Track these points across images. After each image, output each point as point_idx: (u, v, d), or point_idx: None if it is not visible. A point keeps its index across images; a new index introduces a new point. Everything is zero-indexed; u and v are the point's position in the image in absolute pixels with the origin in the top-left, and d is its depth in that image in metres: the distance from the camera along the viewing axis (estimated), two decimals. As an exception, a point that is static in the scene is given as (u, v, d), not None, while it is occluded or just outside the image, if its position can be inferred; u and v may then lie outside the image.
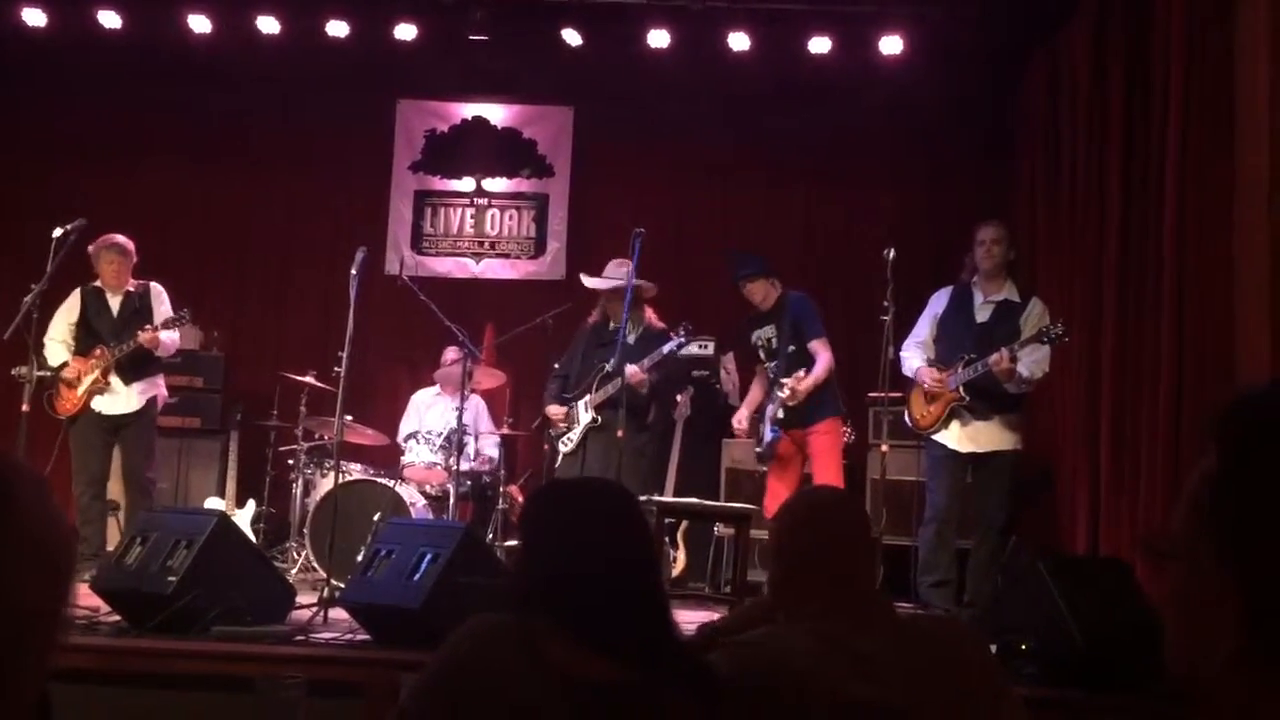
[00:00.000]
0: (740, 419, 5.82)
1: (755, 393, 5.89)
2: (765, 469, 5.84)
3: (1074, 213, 6.14)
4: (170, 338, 6.20)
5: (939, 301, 5.58)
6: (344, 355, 5.24)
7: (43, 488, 0.86)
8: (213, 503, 7.03)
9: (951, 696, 1.85)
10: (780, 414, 5.55)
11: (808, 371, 5.63)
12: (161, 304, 6.27)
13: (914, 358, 5.48)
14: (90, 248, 6.15)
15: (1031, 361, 5.18)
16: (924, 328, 5.57)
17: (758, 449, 5.77)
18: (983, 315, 5.43)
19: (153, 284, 6.32)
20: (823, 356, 5.62)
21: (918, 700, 1.82)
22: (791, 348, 5.60)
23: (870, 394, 6.09)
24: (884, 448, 5.35)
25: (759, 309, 5.85)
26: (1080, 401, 5.78)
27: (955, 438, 5.32)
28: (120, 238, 6.23)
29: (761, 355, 5.87)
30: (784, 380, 5.51)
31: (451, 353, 7.19)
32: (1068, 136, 6.30)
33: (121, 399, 6.10)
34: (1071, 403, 5.93)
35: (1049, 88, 6.71)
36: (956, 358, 5.32)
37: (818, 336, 5.64)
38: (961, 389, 5.26)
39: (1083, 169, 6.02)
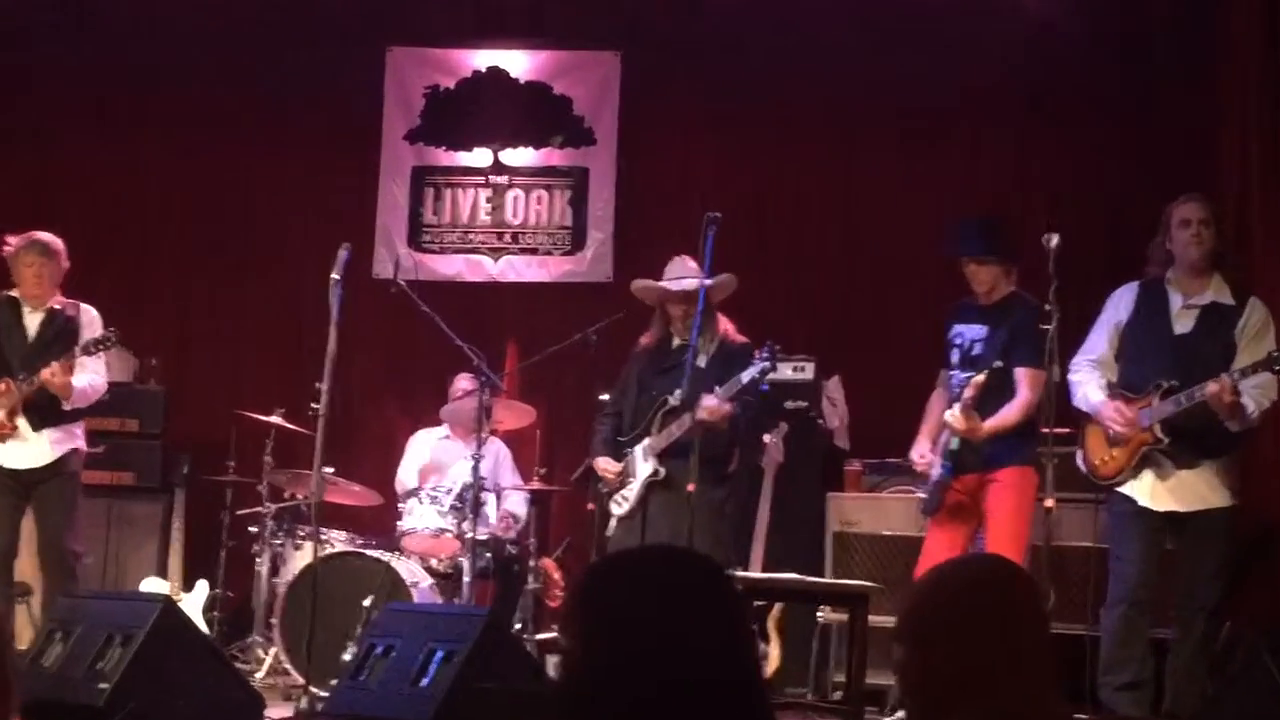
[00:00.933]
0: (921, 450, 5.72)
1: (934, 412, 5.76)
2: (922, 527, 5.77)
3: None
4: (88, 380, 6.13)
5: (1121, 304, 5.47)
6: (323, 387, 5.26)
7: None
8: (153, 584, 7.08)
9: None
10: (955, 445, 5.47)
11: (991, 401, 5.47)
12: (93, 333, 6.26)
13: (1088, 382, 5.39)
14: (9, 245, 6.22)
15: (1256, 390, 5.08)
16: (1101, 340, 5.47)
17: (921, 494, 5.70)
18: (1183, 325, 5.33)
19: (85, 306, 6.33)
20: (1024, 393, 5.46)
21: None
22: (997, 363, 5.52)
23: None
24: (1049, 503, 5.26)
25: (975, 300, 5.76)
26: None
27: (1149, 491, 5.22)
28: (46, 235, 6.27)
29: (954, 359, 5.76)
30: (963, 398, 5.42)
31: (463, 382, 7.21)
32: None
33: (32, 449, 6.13)
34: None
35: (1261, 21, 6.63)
36: (1150, 384, 5.23)
37: (1031, 365, 5.47)
38: (1158, 428, 5.18)
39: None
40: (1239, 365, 5.05)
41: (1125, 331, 5.45)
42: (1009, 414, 5.45)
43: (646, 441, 6.03)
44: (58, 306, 6.30)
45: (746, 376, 5.76)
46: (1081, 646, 5.29)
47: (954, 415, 5.41)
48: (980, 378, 5.35)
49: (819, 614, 6.54)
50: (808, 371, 7.15)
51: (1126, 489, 5.27)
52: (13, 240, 6.23)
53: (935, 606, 2.14)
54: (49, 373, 5.94)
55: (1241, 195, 6.83)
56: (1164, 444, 5.15)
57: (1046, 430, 5.26)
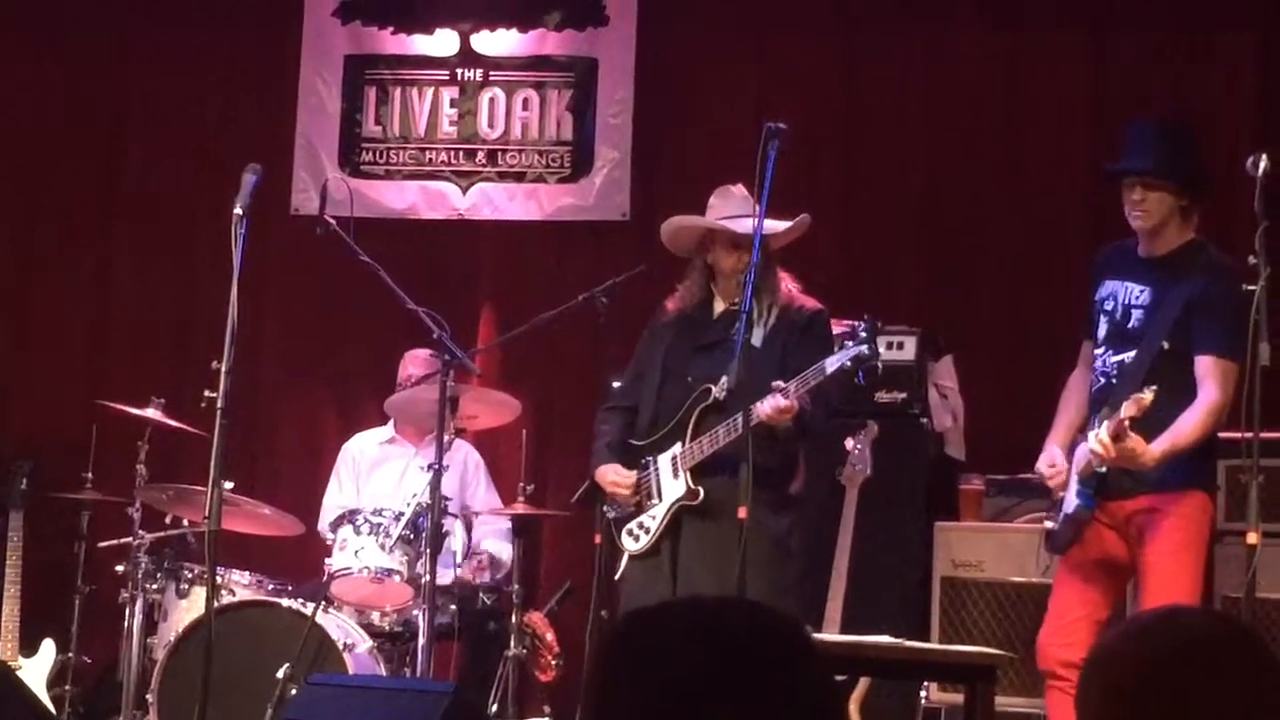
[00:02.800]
0: (1050, 458, 5.71)
1: (1071, 404, 5.75)
2: (1048, 570, 5.79)
3: None
4: None
5: None
6: (221, 369, 5.29)
7: None
8: (-22, 645, 7.13)
9: None
10: (1102, 468, 5.46)
11: (1168, 404, 5.45)
12: None
13: None
14: None
15: None
16: None
17: (1049, 524, 5.70)
18: None
19: None
20: (1210, 393, 5.39)
21: None
22: (1166, 345, 5.49)
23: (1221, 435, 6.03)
24: (1251, 538, 5.29)
25: (1139, 246, 5.73)
26: None
27: None
28: None
29: (1102, 330, 5.74)
30: (1120, 414, 5.38)
31: (417, 363, 7.25)
32: None
33: None
34: None
35: None
36: None
37: (1220, 351, 5.46)
38: None
39: None
40: None
41: None
42: (1188, 428, 5.39)
43: (677, 449, 6.04)
44: None
45: (832, 365, 5.75)
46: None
47: (1100, 441, 5.36)
48: (1147, 396, 5.28)
49: (922, 693, 6.58)
50: (907, 350, 7.13)
51: None
52: None
53: (1138, 687, 2.14)
54: None
55: None
56: None
57: (1248, 435, 5.26)
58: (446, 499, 6.57)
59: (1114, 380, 5.46)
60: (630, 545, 6.12)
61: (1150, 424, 5.29)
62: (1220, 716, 2.05)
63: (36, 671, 6.98)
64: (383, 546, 6.81)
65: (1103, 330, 5.66)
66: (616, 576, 6.24)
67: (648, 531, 6.08)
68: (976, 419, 7.38)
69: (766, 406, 5.60)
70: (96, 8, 8.43)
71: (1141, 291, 5.59)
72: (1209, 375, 5.42)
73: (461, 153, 8.41)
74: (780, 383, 5.67)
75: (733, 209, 6.04)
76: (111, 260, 8.41)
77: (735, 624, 1.96)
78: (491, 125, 8.42)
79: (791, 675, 1.90)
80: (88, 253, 8.42)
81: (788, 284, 6.13)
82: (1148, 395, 5.16)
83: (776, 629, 1.95)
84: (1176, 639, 2.24)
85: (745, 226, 5.82)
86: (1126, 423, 5.22)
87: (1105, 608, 5.47)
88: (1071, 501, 5.51)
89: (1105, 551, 5.58)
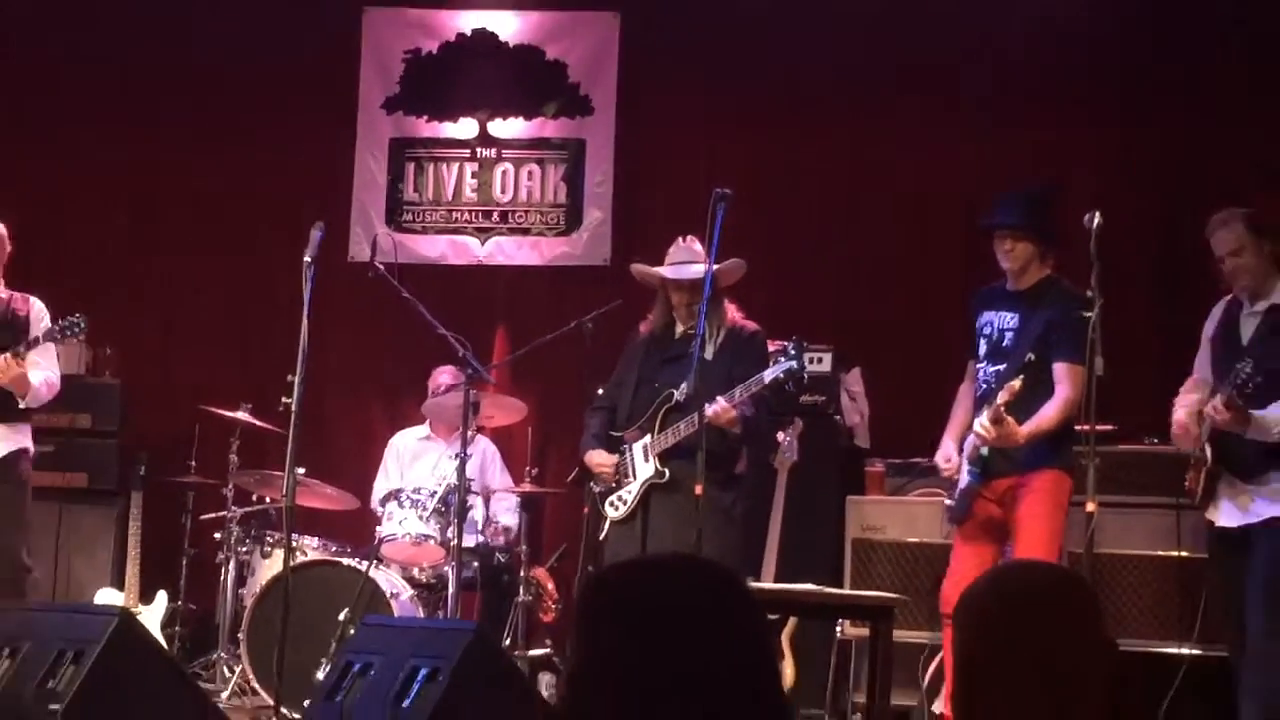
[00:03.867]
0: (946, 453, 5.70)
1: (961, 409, 5.75)
2: (949, 535, 5.78)
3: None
4: (43, 376, 6.17)
5: (1212, 319, 5.51)
6: (295, 380, 5.27)
7: None
8: (107, 595, 7.08)
9: None
10: (985, 450, 5.45)
11: (1026, 400, 5.45)
12: (42, 324, 6.25)
13: (1179, 408, 5.42)
14: None
15: None
16: (1202, 358, 5.52)
17: (948, 501, 5.70)
18: (1248, 329, 5.37)
19: (33, 299, 6.33)
20: (1063, 391, 5.41)
21: None
22: (1031, 357, 5.48)
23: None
24: (1090, 506, 5.27)
25: (1008, 283, 5.73)
26: None
27: (1219, 511, 5.32)
28: None
29: (982, 349, 5.74)
30: (996, 400, 5.39)
31: (446, 375, 7.22)
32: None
33: (-22, 448, 6.15)
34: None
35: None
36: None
37: (1069, 359, 5.46)
38: (1208, 449, 5.23)
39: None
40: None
41: (1212, 346, 5.50)
42: (1048, 415, 5.41)
43: (647, 440, 6.01)
44: (4, 297, 6.29)
45: (769, 376, 5.74)
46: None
47: (983, 425, 5.37)
48: (1016, 383, 5.30)
49: (837, 629, 6.55)
50: (824, 363, 7.11)
51: (1208, 514, 5.38)
52: None
53: (996, 621, 2.13)
54: (7, 368, 5.94)
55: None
56: (1208, 463, 5.24)
57: (1087, 428, 5.26)
58: (470, 480, 6.56)
59: (992, 386, 5.46)
60: (611, 513, 6.10)
61: (1020, 415, 5.32)
62: (1051, 642, 2.06)
63: (153, 617, 6.94)
64: (421, 518, 6.79)
65: (983, 349, 5.68)
66: (600, 538, 6.22)
67: (625, 503, 6.06)
68: (878, 416, 7.38)
69: (712, 410, 5.60)
70: (199, 101, 8.38)
71: (1011, 317, 5.62)
72: (1064, 377, 5.44)
73: (480, 213, 8.38)
74: (721, 397, 5.68)
75: (683, 256, 6.07)
76: (211, 294, 8.37)
77: (688, 575, 1.95)
78: (503, 192, 8.40)
79: (729, 613, 1.88)
80: (190, 290, 8.38)
81: (733, 311, 6.12)
82: (1017, 383, 5.24)
83: (717, 578, 1.94)
84: (1023, 582, 2.26)
85: (691, 271, 5.93)
86: (1002, 407, 5.26)
87: (991, 562, 5.45)
88: (964, 480, 5.52)
89: (989, 519, 5.57)
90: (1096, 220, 5.27)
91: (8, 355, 5.98)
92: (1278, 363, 5.14)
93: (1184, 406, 5.45)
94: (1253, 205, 5.51)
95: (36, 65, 8.42)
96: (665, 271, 6.13)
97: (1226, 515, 5.30)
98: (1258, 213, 5.47)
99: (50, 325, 6.18)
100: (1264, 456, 5.20)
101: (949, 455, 5.65)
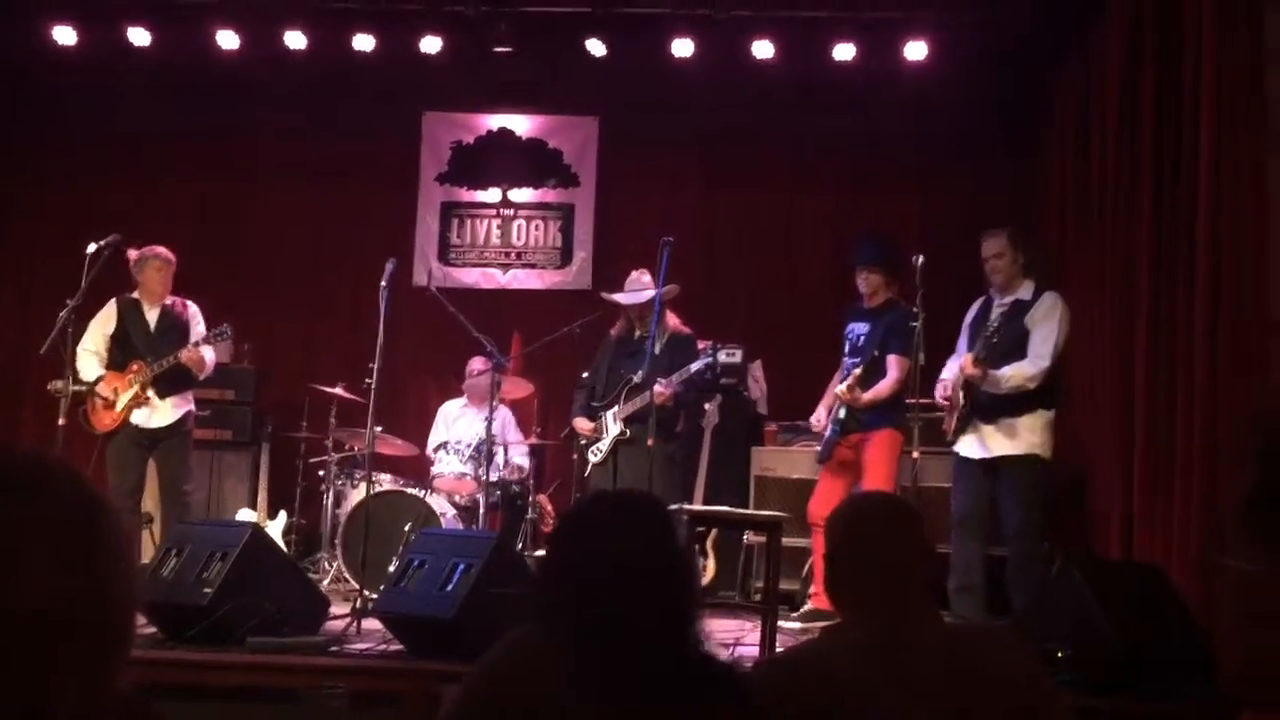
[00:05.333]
0: (818, 416, 5.78)
1: (830, 390, 5.83)
2: (817, 471, 5.83)
3: (1104, 213, 6.08)
4: (210, 357, 6.22)
5: (970, 312, 5.58)
6: (373, 367, 5.27)
7: (77, 477, 0.89)
8: (245, 514, 7.07)
9: (997, 710, 1.83)
10: (842, 413, 5.53)
11: (871, 380, 5.54)
12: (198, 324, 6.27)
13: (945, 371, 5.51)
14: (132, 256, 6.18)
15: (1027, 364, 5.18)
16: (961, 343, 5.56)
17: (818, 448, 5.76)
18: (994, 316, 5.43)
19: (190, 303, 6.34)
20: (892, 374, 5.53)
21: (961, 715, 1.80)
22: (875, 352, 5.56)
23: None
24: (915, 454, 5.32)
25: (864, 302, 5.79)
26: (1114, 403, 5.73)
27: (966, 445, 5.35)
28: (163, 249, 6.28)
29: (846, 349, 5.81)
30: (847, 378, 5.49)
31: (477, 363, 7.21)
32: (1097, 137, 6.25)
33: (159, 413, 6.13)
34: (1106, 405, 5.88)
35: (1078, 90, 6.66)
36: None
37: (898, 353, 5.54)
38: (962, 396, 5.30)
39: (1113, 168, 5.96)
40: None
41: (968, 331, 5.53)
42: (880, 389, 5.53)
43: (615, 409, 6.05)
44: (170, 304, 6.28)
45: (695, 367, 5.80)
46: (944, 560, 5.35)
47: (841, 389, 5.49)
48: (858, 369, 5.43)
49: (745, 537, 6.58)
50: (737, 357, 7.17)
51: (958, 447, 5.40)
52: (134, 253, 6.20)
53: (850, 530, 2.15)
54: (188, 354, 5.97)
55: (1059, 219, 6.90)
56: (966, 410, 5.30)
57: (913, 401, 5.31)
58: (494, 436, 6.57)
59: (850, 373, 5.53)
60: (593, 459, 6.14)
61: (865, 389, 5.44)
62: (888, 549, 2.08)
63: (276, 529, 6.93)
64: (461, 461, 6.81)
65: (847, 349, 5.75)
66: (585, 475, 6.24)
67: (601, 452, 6.10)
68: (774, 392, 7.41)
69: (655, 390, 5.63)
70: (312, 174, 8.34)
71: (865, 326, 5.68)
72: (892, 365, 5.54)
73: (502, 253, 8.34)
74: (662, 380, 5.70)
75: (635, 286, 6.13)
76: (318, 308, 8.31)
77: (639, 502, 1.97)
78: (519, 239, 8.36)
79: (652, 526, 1.90)
80: (306, 303, 8.34)
81: (674, 320, 6.17)
82: (860, 370, 5.44)
83: (658, 506, 1.97)
84: (868, 503, 2.29)
85: (639, 297, 6.03)
86: (854, 380, 5.44)
87: (845, 490, 5.51)
88: (828, 432, 5.58)
89: (844, 462, 5.62)
90: (920, 260, 5.33)
91: (193, 343, 6.06)
92: (1009, 339, 5.22)
93: (948, 369, 5.49)
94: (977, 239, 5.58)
95: (207, 156, 8.35)
96: (620, 298, 6.16)
97: (970, 448, 5.35)
98: (1017, 230, 5.53)
99: (206, 330, 6.19)
100: (998, 404, 5.27)
101: (819, 418, 5.72)
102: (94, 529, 0.84)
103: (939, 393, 5.44)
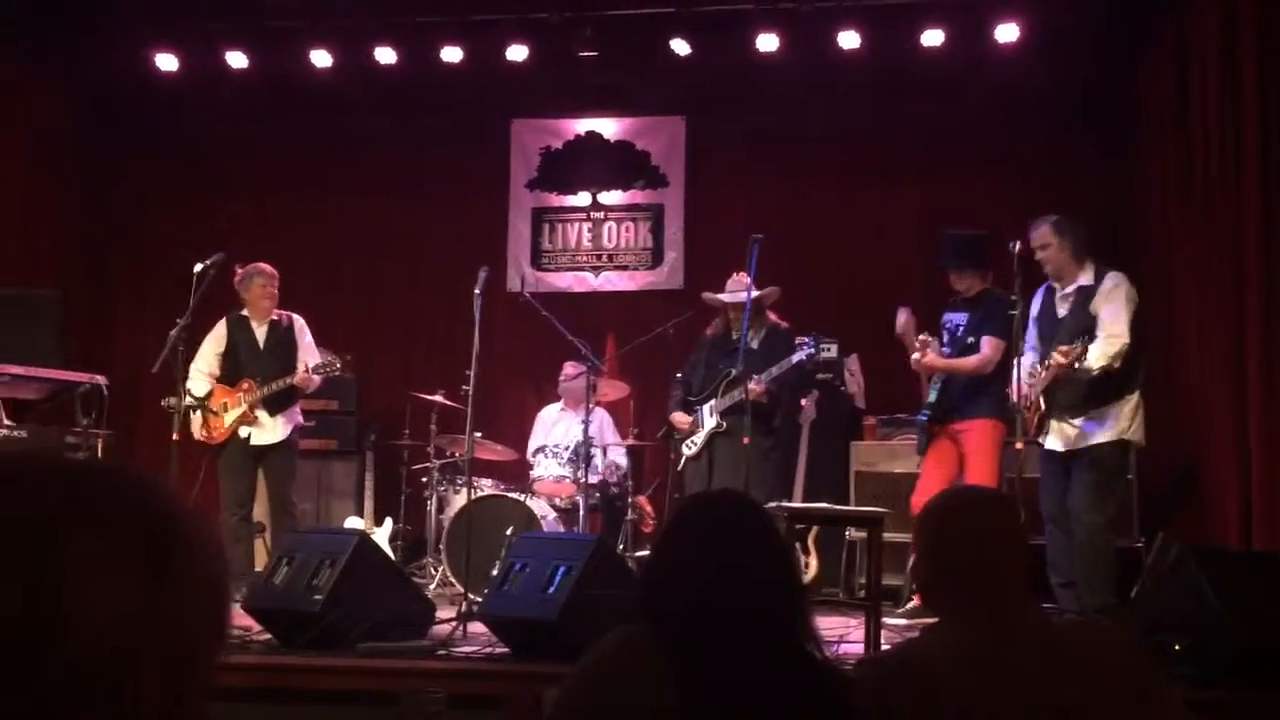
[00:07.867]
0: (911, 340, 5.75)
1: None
2: (919, 465, 5.75)
3: (1210, 198, 5.89)
4: (316, 382, 6.41)
5: (1035, 303, 5.44)
6: (471, 373, 5.31)
7: (205, 522, 0.90)
8: (352, 522, 7.19)
9: (1104, 705, 1.78)
10: (932, 396, 5.47)
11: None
12: (305, 336, 6.44)
13: (1023, 367, 5.31)
14: (238, 274, 6.35)
15: (1103, 344, 5.03)
16: (1030, 335, 5.43)
17: (917, 439, 5.71)
18: (1063, 309, 5.30)
19: (295, 316, 6.50)
20: (982, 350, 5.49)
21: (1066, 714, 1.76)
22: (970, 339, 5.49)
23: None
24: (1019, 445, 5.21)
25: (960, 294, 5.73)
26: (1228, 397, 5.54)
27: (1055, 440, 5.24)
28: (267, 265, 6.44)
29: (945, 338, 5.75)
30: (926, 340, 5.45)
31: (570, 367, 7.23)
32: (1197, 116, 6.06)
33: (268, 430, 6.28)
34: (1218, 400, 5.69)
35: (1175, 67, 6.46)
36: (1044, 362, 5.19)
37: (993, 335, 5.47)
38: (1041, 400, 5.15)
39: (1217, 150, 5.77)
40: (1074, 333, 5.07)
41: (1036, 323, 5.42)
42: (965, 361, 5.48)
43: (712, 402, 6.06)
44: (276, 318, 6.43)
45: (795, 359, 5.79)
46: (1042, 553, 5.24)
47: (920, 344, 5.54)
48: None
49: (846, 533, 6.52)
50: (834, 351, 7.08)
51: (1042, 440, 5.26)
52: (240, 270, 6.37)
53: (936, 530, 2.12)
54: (300, 379, 6.22)
55: (1161, 206, 6.69)
56: (1043, 410, 5.16)
57: (1013, 391, 5.20)
58: (591, 438, 6.60)
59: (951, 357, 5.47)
60: (687, 452, 6.16)
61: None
62: (984, 540, 2.04)
63: (382, 535, 7.03)
64: (560, 464, 6.84)
65: (945, 338, 5.68)
66: (679, 469, 6.25)
67: (696, 445, 6.14)
68: (871, 386, 7.32)
69: (749, 385, 5.60)
70: (406, 185, 8.47)
71: (963, 316, 5.61)
72: (984, 344, 5.45)
73: (594, 256, 8.40)
74: (756, 376, 5.66)
75: (736, 287, 6.09)
76: (416, 317, 8.44)
77: (740, 503, 1.98)
78: (609, 241, 8.41)
79: (754, 525, 1.90)
80: (405, 313, 8.46)
81: (773, 316, 6.16)
82: (923, 343, 5.55)
83: (758, 505, 1.97)
84: (956, 501, 2.24)
85: (740, 297, 5.93)
86: (924, 345, 5.54)
87: (946, 481, 5.42)
88: (919, 417, 5.56)
89: (945, 453, 5.54)
90: (1016, 246, 5.23)
91: (305, 371, 6.27)
92: (1083, 326, 5.10)
93: (1026, 369, 5.31)
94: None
95: (307, 174, 8.54)
96: (724, 297, 6.16)
97: (1056, 443, 5.21)
98: (1061, 218, 5.37)
99: (312, 339, 6.36)
100: (1081, 397, 5.12)
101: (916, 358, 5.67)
102: (163, 549, 0.84)
103: (1014, 394, 5.28)
